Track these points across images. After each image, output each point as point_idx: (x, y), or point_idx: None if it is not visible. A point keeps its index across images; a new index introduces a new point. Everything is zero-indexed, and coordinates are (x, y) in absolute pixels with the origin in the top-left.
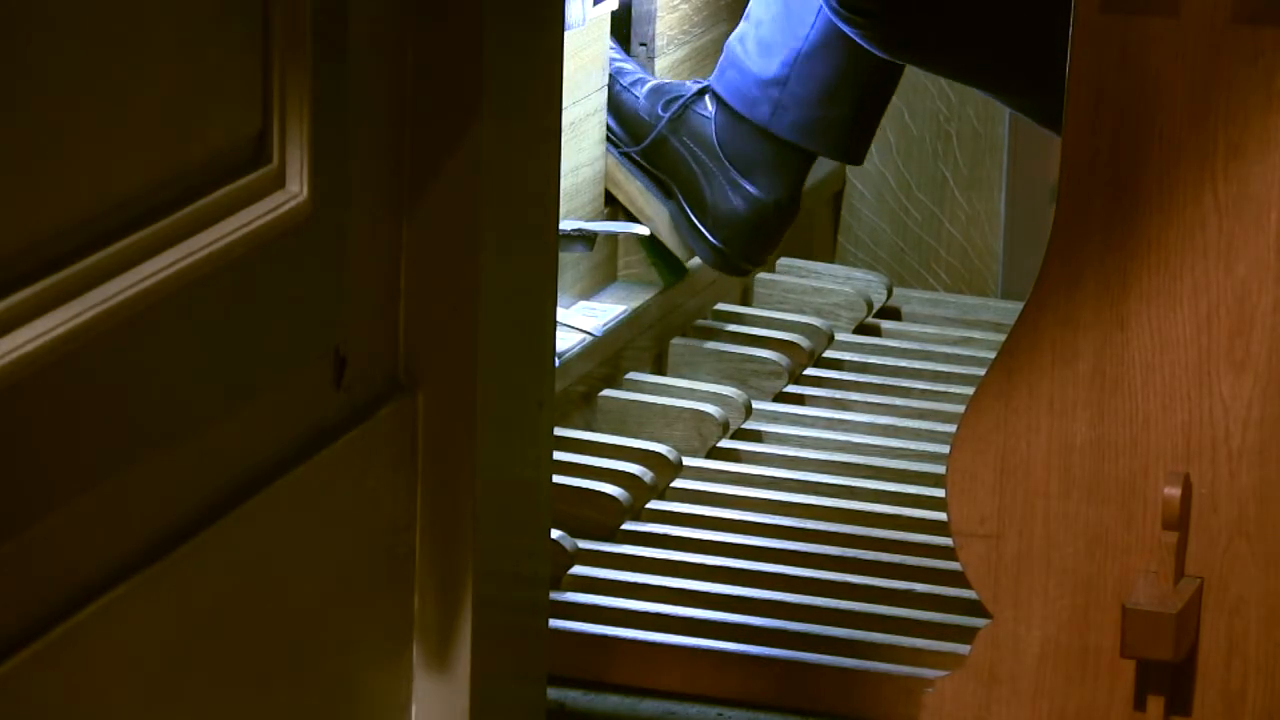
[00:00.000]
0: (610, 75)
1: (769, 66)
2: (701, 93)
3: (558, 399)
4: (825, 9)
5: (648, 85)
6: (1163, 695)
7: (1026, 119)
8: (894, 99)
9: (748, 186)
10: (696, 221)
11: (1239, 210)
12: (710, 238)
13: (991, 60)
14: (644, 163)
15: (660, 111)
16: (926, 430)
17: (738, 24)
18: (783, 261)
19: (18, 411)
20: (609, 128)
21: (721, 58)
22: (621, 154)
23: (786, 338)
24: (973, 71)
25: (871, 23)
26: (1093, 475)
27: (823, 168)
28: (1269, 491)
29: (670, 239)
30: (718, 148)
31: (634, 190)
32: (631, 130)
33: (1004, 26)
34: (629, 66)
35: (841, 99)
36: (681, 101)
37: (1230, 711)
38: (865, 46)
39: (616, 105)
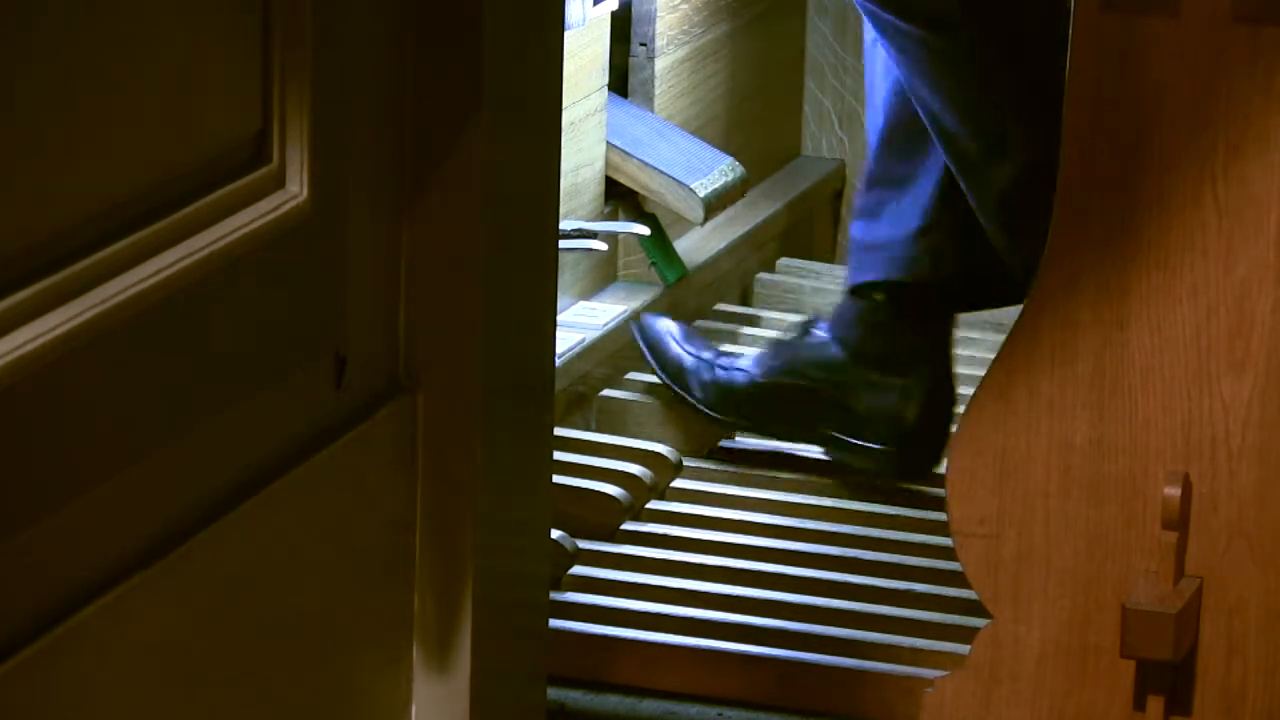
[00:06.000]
0: (685, 369)
1: (909, 224)
2: (807, 325)
3: (558, 399)
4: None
5: (739, 361)
6: (1163, 695)
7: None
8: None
9: (893, 380)
10: (856, 441)
11: (1239, 211)
12: (873, 446)
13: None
14: (755, 421)
15: (773, 362)
16: None
17: (737, 22)
18: (782, 262)
19: (18, 411)
20: (699, 405)
21: (852, 258)
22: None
23: None
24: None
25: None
26: (1093, 475)
27: (822, 167)
28: (1269, 491)
29: (677, 204)
30: (848, 360)
31: (634, 168)
32: (735, 404)
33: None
34: (702, 353)
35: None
36: (794, 339)
37: (1230, 711)
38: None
39: (719, 388)
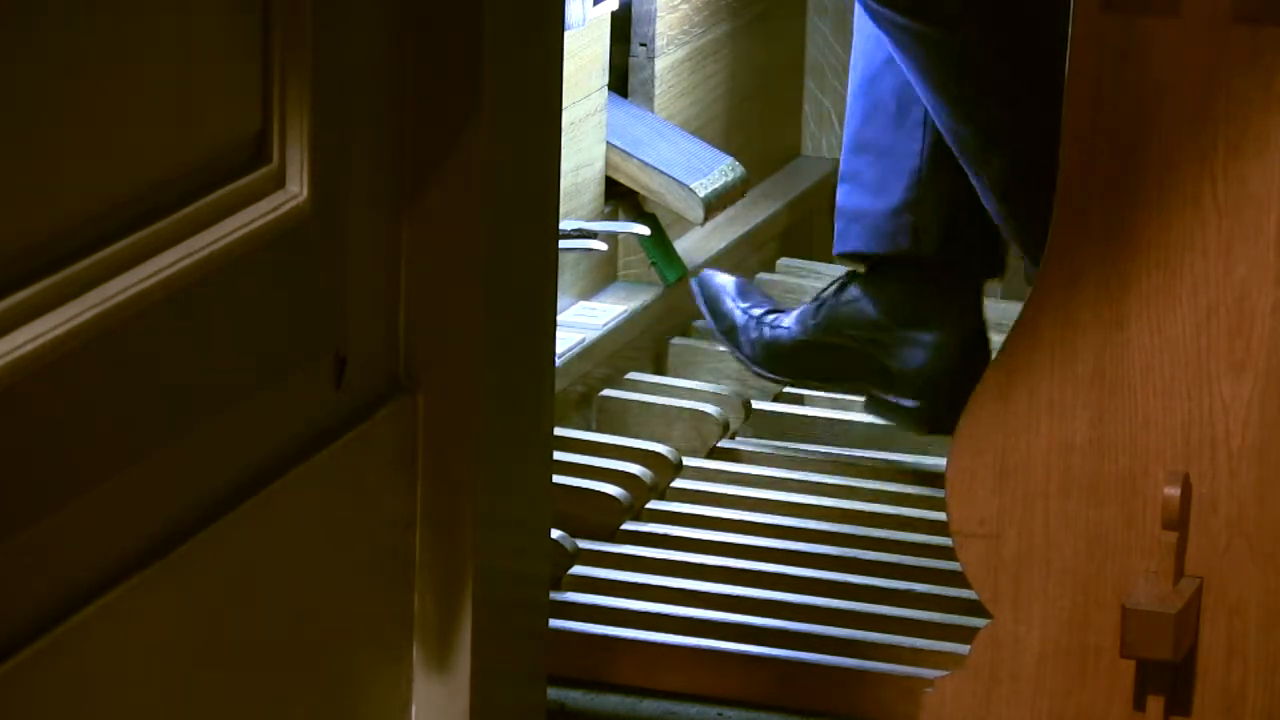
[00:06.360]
0: (736, 326)
1: (892, 197)
2: (842, 286)
3: (558, 399)
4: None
5: (784, 319)
6: (1163, 695)
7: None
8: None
9: (925, 337)
10: (890, 398)
11: (1238, 210)
12: (905, 403)
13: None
14: (799, 377)
15: (813, 320)
16: None
17: (737, 22)
18: (782, 262)
19: (18, 411)
20: (752, 362)
21: (837, 225)
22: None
23: None
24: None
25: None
26: (1092, 475)
27: (822, 167)
28: (1269, 491)
29: (677, 204)
30: (881, 318)
31: (634, 168)
32: (780, 361)
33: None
34: (752, 310)
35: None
36: (833, 295)
37: (1230, 711)
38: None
39: (765, 346)
